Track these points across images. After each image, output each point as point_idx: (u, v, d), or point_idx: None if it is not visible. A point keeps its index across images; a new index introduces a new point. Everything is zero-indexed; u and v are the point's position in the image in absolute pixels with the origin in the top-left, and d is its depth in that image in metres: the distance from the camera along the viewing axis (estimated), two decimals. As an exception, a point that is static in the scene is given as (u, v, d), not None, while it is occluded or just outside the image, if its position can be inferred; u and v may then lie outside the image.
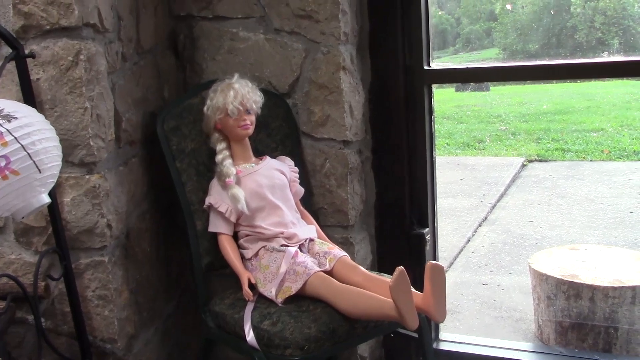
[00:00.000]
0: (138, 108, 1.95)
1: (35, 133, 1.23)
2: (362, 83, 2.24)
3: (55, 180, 1.30)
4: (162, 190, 2.05)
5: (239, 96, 1.90)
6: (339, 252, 1.82)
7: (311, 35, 2.11)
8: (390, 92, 2.27)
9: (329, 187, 2.20)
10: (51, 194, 1.63)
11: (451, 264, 4.17)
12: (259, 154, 2.06)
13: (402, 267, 1.51)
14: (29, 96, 1.57)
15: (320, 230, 2.03)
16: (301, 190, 2.04)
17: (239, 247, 1.92)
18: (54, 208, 1.63)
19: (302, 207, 2.05)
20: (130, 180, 1.86)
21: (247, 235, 1.90)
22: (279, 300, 1.73)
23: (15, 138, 1.19)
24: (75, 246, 1.72)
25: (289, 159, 2.06)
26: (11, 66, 1.59)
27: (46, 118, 1.64)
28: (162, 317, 2.10)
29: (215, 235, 1.92)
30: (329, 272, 1.77)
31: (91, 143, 1.66)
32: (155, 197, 2.05)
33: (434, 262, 1.55)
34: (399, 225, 2.36)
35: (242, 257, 1.90)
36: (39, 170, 1.23)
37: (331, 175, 2.19)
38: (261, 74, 2.19)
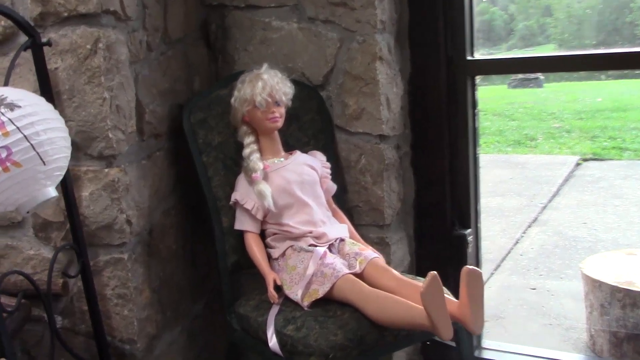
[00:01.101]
0: (164, 99, 1.88)
1: (39, 123, 1.15)
2: (401, 74, 2.12)
3: (62, 173, 1.23)
4: (190, 185, 1.97)
5: (267, 87, 1.80)
6: (370, 253, 1.70)
7: (346, 24, 2.00)
8: (431, 84, 2.14)
9: (364, 184, 2.08)
10: (68, 187, 1.57)
11: (498, 266, 3.99)
12: (289, 148, 1.96)
13: (434, 272, 1.38)
14: (46, 86, 1.51)
15: (353, 230, 1.92)
16: (333, 187, 1.93)
17: (266, 246, 1.82)
18: (70, 203, 1.57)
19: (334, 205, 1.94)
20: (154, 175, 1.79)
21: (274, 234, 1.81)
22: (305, 303, 1.62)
23: (18, 128, 1.12)
24: (93, 242, 1.66)
25: (320, 153, 1.96)
26: (29, 55, 1.53)
27: (64, 109, 1.59)
28: (189, 317, 2.02)
29: (242, 233, 1.83)
30: (360, 275, 1.65)
31: (110, 135, 1.59)
32: (183, 192, 1.97)
33: (470, 267, 1.42)
34: (439, 225, 2.24)
35: (269, 257, 1.80)
36: (44, 162, 1.15)
37: (366, 172, 2.07)
38: (294, 65, 2.09)
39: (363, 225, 2.12)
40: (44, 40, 1.53)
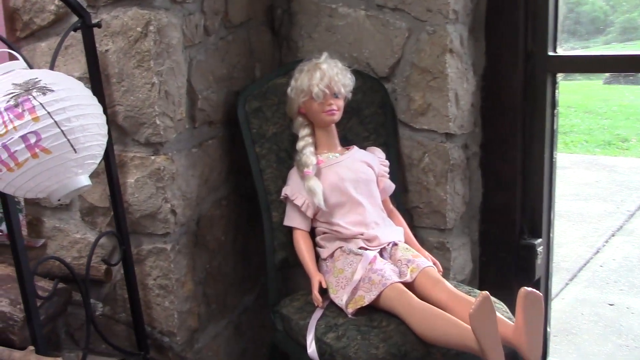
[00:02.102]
0: (221, 86, 1.81)
1: (72, 108, 1.10)
2: (474, 68, 1.98)
3: (96, 162, 1.18)
4: (245, 176, 1.90)
5: (325, 78, 1.70)
6: (424, 261, 1.58)
7: (416, 13, 1.88)
8: (507, 80, 1.99)
9: (426, 184, 1.96)
10: (113, 173, 1.54)
11: (574, 276, 3.73)
12: (347, 143, 1.86)
13: (486, 292, 1.25)
14: (94, 68, 1.48)
15: (410, 233, 1.80)
16: (390, 187, 1.82)
17: (316, 245, 1.73)
18: (114, 189, 1.53)
19: (391, 206, 1.83)
20: (204, 164, 1.73)
21: (324, 233, 1.72)
22: (349, 310, 1.52)
23: (49, 113, 1.07)
24: (137, 230, 1.62)
25: (379, 150, 1.85)
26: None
27: (112, 92, 1.55)
28: (236, 310, 1.97)
29: (291, 230, 1.75)
30: (410, 284, 1.54)
31: (157, 122, 1.54)
32: (238, 183, 1.90)
33: (529, 289, 1.28)
34: (506, 232, 2.09)
35: (318, 256, 1.71)
36: (75, 149, 1.11)
37: (429, 172, 1.95)
38: (359, 55, 1.98)
39: (423, 228, 2.00)
40: (94, 21, 1.49)
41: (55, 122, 1.08)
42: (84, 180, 1.17)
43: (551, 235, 2.13)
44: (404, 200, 1.99)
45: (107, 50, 1.53)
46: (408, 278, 1.54)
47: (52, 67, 1.38)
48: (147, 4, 1.49)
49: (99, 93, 1.48)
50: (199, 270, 1.75)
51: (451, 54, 1.86)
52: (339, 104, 1.74)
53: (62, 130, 1.09)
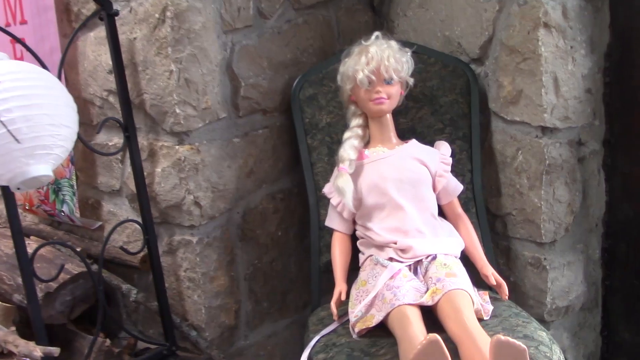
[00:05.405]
0: (281, 72, 1.70)
1: (14, 99, 1.10)
2: (591, 45, 1.59)
3: (51, 152, 1.16)
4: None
5: (372, 62, 1.48)
6: (452, 283, 1.29)
7: (508, -21, 1.56)
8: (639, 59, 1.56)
9: (519, 187, 1.64)
10: (136, 162, 1.53)
11: None
12: (416, 135, 1.62)
13: (435, 335, 0.97)
14: (117, 56, 1.47)
15: (476, 245, 1.51)
16: (455, 189, 1.54)
17: (358, 250, 1.54)
18: (137, 177, 1.52)
19: (458, 210, 1.56)
20: (248, 155, 1.64)
21: (362, 238, 1.52)
22: (356, 330, 1.32)
23: (-12, 104, 1.09)
24: (168, 220, 1.60)
25: (446, 145, 1.57)
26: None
27: (140, 81, 1.54)
28: (306, 311, 1.86)
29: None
30: (434, 308, 1.28)
31: (177, 110, 1.48)
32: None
33: (504, 338, 0.96)
34: (635, 251, 1.66)
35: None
36: (17, 140, 1.11)
37: (523, 172, 1.62)
38: (451, 34, 1.73)
39: (518, 240, 1.68)
40: (124, 9, 1.49)
41: (-6, 112, 1.09)
42: (40, 170, 1.16)
43: None
44: (496, 205, 1.69)
45: (135, 38, 1.51)
46: (426, 300, 1.28)
47: (64, 56, 1.42)
48: (168, -12, 1.44)
49: (121, 81, 1.48)
50: (243, 266, 1.67)
51: (547, 29, 1.51)
52: (390, 91, 1.51)
53: (1, 121, 1.09)
